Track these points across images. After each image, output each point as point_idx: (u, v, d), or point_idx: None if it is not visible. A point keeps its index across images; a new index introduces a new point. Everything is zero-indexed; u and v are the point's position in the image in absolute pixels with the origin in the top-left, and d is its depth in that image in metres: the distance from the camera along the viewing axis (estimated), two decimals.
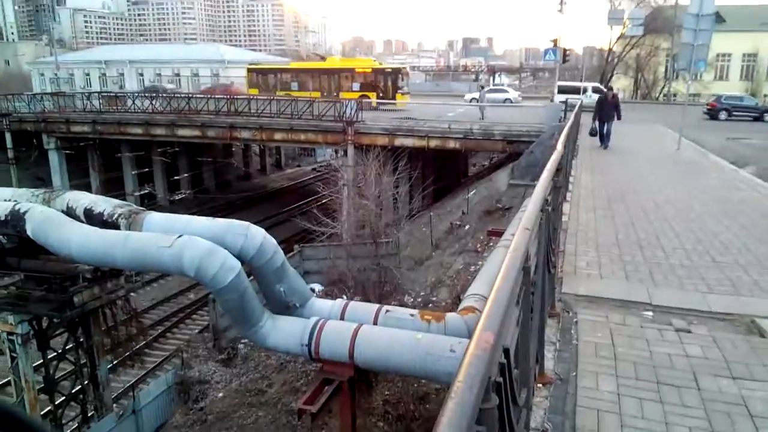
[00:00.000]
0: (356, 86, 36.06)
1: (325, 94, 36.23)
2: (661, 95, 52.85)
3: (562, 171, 6.92)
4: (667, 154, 18.37)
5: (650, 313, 5.54)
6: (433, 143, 25.76)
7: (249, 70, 41.17)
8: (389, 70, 37.60)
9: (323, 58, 43.45)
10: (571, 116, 17.92)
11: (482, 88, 35.72)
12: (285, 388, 13.19)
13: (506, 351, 1.67)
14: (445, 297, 16.66)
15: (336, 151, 28.75)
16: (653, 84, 55.24)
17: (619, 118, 19.96)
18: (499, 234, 13.77)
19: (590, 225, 9.23)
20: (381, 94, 35.58)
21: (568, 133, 10.95)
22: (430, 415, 11.12)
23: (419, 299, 17.49)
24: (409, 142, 25.77)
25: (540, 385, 3.78)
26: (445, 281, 18.04)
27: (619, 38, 49.20)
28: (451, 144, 25.92)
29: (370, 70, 37.22)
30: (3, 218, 11.43)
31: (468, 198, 23.54)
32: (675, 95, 49.31)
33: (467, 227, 21.27)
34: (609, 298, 5.86)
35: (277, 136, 29.17)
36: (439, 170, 31.15)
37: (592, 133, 20.06)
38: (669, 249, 7.90)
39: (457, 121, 26.84)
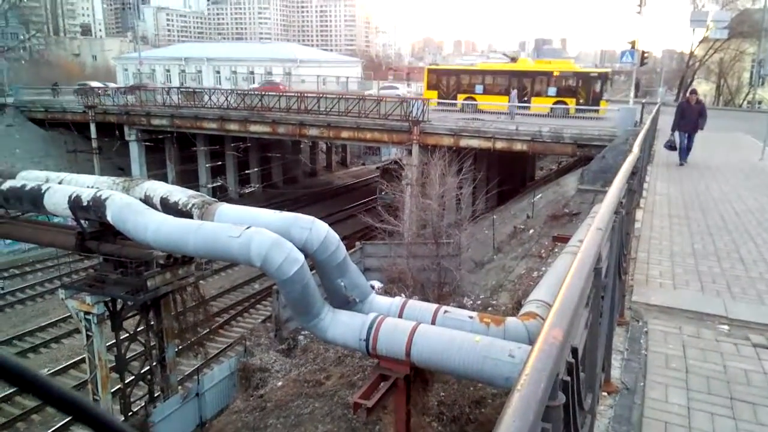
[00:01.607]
0: (552, 91, 32.61)
1: (581, 102, 32.46)
2: (745, 102, 49.82)
3: (638, 175, 6.64)
4: (750, 164, 17.28)
5: (726, 327, 5.25)
6: (499, 145, 25.36)
7: (429, 71, 37.77)
8: (594, 74, 33.68)
9: (513, 59, 38.91)
10: (648, 120, 17.20)
11: (514, 89, 34.64)
12: (342, 381, 13.36)
13: (574, 350, 1.62)
14: (506, 301, 16.38)
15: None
16: (737, 90, 52.15)
17: (701, 128, 16.81)
18: (566, 240, 13.39)
19: (664, 233, 8.82)
20: (581, 101, 31.96)
21: (644, 137, 10.52)
22: (486, 419, 10.97)
23: (479, 302, 17.28)
24: (475, 143, 25.48)
25: (605, 393, 3.64)
26: (506, 285, 17.74)
27: (701, 41, 46.67)
28: (518, 146, 25.43)
29: (570, 72, 33.67)
30: (85, 204, 12.16)
31: (534, 202, 23.03)
32: (760, 102, 46.37)
33: (531, 231, 20.81)
34: (682, 309, 5.58)
35: (344, 134, 29.57)
36: (505, 172, 30.69)
37: (670, 146, 16.84)
38: (749, 261, 7.44)
39: (526, 122, 26.31)
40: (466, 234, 19.10)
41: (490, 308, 15.75)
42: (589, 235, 2.16)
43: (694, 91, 18.63)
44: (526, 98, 32.80)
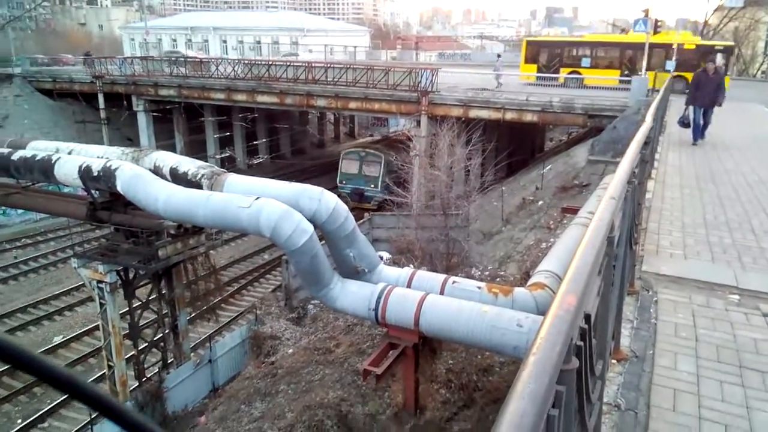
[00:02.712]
0: (670, 65, 29.43)
1: (626, 73, 30.39)
2: (759, 72, 48.86)
3: (650, 145, 6.58)
4: (764, 135, 17.05)
5: (736, 297, 5.26)
6: (509, 116, 25.11)
7: (528, 44, 34.83)
8: (719, 47, 31.20)
9: (624, 31, 36.22)
10: (661, 90, 16.94)
11: (498, 56, 33.44)
12: (351, 349, 13.56)
13: (587, 317, 1.64)
14: (514, 272, 16.44)
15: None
16: (751, 60, 51.11)
17: (719, 103, 15.17)
18: (575, 211, 13.37)
19: (675, 204, 8.77)
20: None
21: (657, 107, 10.38)
22: (494, 387, 11.12)
23: (487, 273, 17.36)
24: (485, 113, 25.23)
25: (614, 361, 3.69)
26: (514, 256, 17.79)
27: (716, 9, 45.59)
28: (528, 117, 25.16)
29: (693, 46, 30.95)
30: (96, 174, 12.23)
31: (543, 173, 22.91)
32: None
33: (540, 203, 20.75)
34: (693, 279, 5.59)
35: (352, 104, 29.35)
36: (514, 144, 30.46)
37: (683, 123, 15.19)
38: (760, 232, 7.41)
39: (536, 93, 25.99)
40: (474, 205, 19.09)
41: (498, 279, 15.83)
42: (603, 204, 2.16)
43: (712, 60, 17.30)
44: (640, 72, 29.07)
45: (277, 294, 20.40)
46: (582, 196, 18.04)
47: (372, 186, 29.70)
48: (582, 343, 1.52)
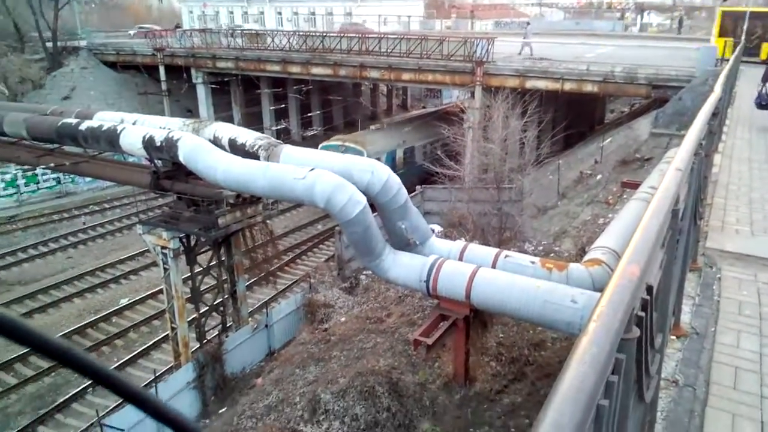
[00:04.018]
0: None
1: None
2: None
3: (718, 116, 6.27)
4: None
5: None
6: (567, 86, 24.28)
7: (723, 14, 30.09)
8: None
9: None
10: (730, 60, 15.98)
11: (528, 24, 31.78)
12: (402, 319, 13.74)
13: (649, 288, 1.63)
14: (569, 248, 16.14)
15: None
16: None
17: None
18: (635, 186, 12.95)
19: (744, 178, 8.36)
20: None
21: (726, 77, 9.84)
22: (545, 362, 11.07)
23: (540, 248, 17.11)
24: (542, 84, 24.50)
25: (674, 337, 3.62)
26: (569, 232, 17.43)
27: None
28: (588, 87, 24.27)
29: None
30: (159, 144, 12.69)
31: (602, 146, 22.18)
32: None
33: (599, 177, 20.16)
34: (759, 257, 5.36)
35: (405, 76, 29.07)
36: (573, 115, 29.49)
37: (761, 104, 12.98)
38: None
39: (597, 62, 24.99)
40: (529, 179, 18.73)
41: (552, 254, 15.59)
42: (669, 175, 2.10)
43: None
44: None
45: (330, 264, 20.80)
46: (643, 170, 17.41)
47: None
48: (643, 314, 1.52)
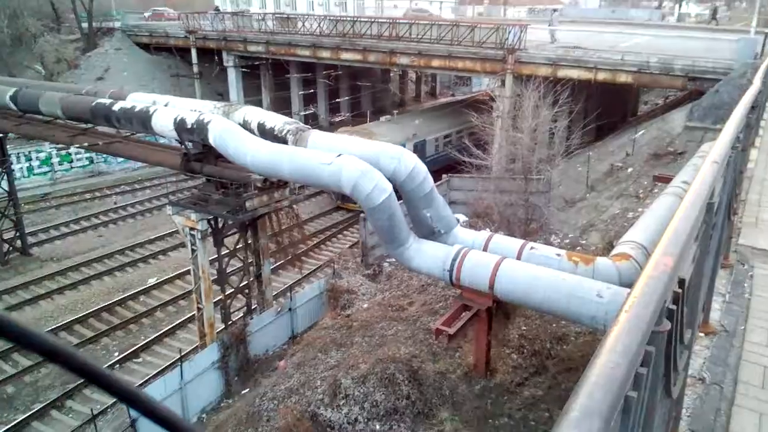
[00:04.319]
0: None
1: None
2: None
3: (757, 110, 6.08)
4: None
5: None
6: (601, 76, 23.80)
7: None
8: None
9: None
10: None
11: (555, 11, 30.87)
12: (424, 308, 13.76)
13: (681, 282, 1.59)
14: (596, 241, 15.94)
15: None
16: None
17: None
18: (668, 180, 12.67)
19: None
20: None
21: (766, 70, 9.51)
22: (567, 356, 10.99)
23: (567, 241, 16.92)
24: (575, 73, 24.06)
25: (702, 334, 3.55)
26: (597, 225, 17.19)
27: None
28: (623, 78, 23.75)
29: None
30: (190, 126, 12.84)
31: (635, 138, 21.73)
32: None
33: (630, 170, 19.80)
34: None
35: (435, 62, 28.83)
36: (605, 106, 28.93)
37: None
38: None
39: (632, 52, 24.41)
40: (558, 170, 18.50)
41: (578, 248, 15.41)
42: (705, 167, 2.05)
43: None
44: None
45: (354, 250, 20.89)
46: (676, 164, 17.03)
47: None
48: (674, 307, 1.49)
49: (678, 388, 2.06)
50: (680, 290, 1.60)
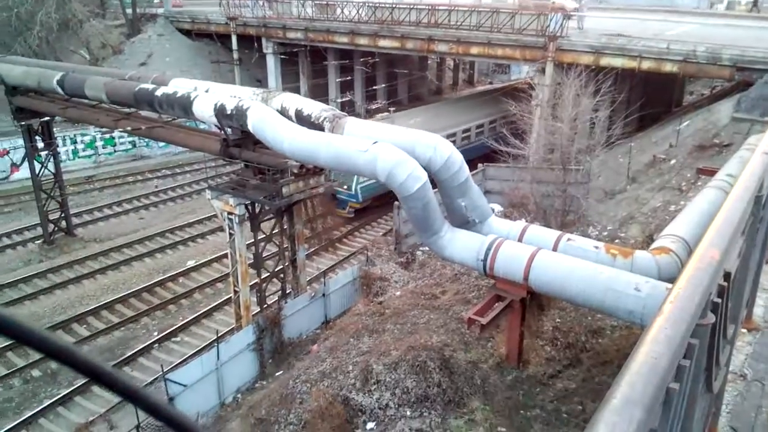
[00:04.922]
0: None
1: None
2: None
3: None
4: None
5: None
6: (645, 65, 23.09)
7: None
8: None
9: None
10: None
11: None
12: (457, 297, 13.74)
13: (727, 275, 1.56)
14: (635, 234, 15.60)
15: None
16: None
17: None
18: (712, 173, 12.31)
19: None
20: None
21: None
22: (603, 349, 10.84)
23: (605, 233, 16.61)
24: (618, 62, 23.40)
25: (744, 330, 3.46)
26: (637, 218, 16.82)
27: None
28: (668, 67, 22.99)
29: None
30: (229, 112, 13.05)
31: (679, 129, 21.09)
32: None
33: (673, 162, 19.25)
34: None
35: (474, 50, 28.43)
36: (648, 95, 28.12)
37: None
38: None
39: (678, 41, 23.60)
40: (597, 161, 18.13)
41: (617, 240, 15.12)
42: (754, 159, 1.98)
43: None
44: None
45: (387, 238, 20.97)
46: (721, 157, 16.49)
47: (345, 188, 23.84)
48: (719, 300, 1.46)
49: (719, 383, 2.02)
50: (725, 283, 1.56)
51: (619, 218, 17.12)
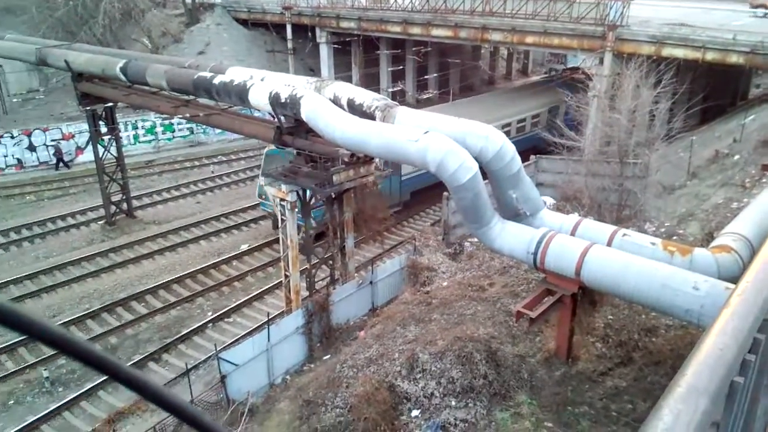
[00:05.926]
0: None
1: None
2: None
3: None
4: None
5: None
6: (709, 56, 22.07)
7: None
8: None
9: None
10: None
11: None
12: (505, 290, 13.62)
13: None
14: (695, 232, 15.04)
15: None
16: None
17: None
18: None
19: None
20: None
21: None
22: (656, 349, 10.54)
23: (663, 230, 16.06)
24: (680, 53, 22.46)
25: None
26: (697, 214, 16.20)
27: None
28: (734, 58, 21.90)
29: None
30: (283, 101, 13.29)
31: (744, 124, 20.13)
32: None
33: (736, 157, 18.41)
34: None
35: (529, 39, 27.83)
36: (712, 88, 26.90)
37: None
38: None
39: (746, 31, 22.43)
40: (656, 155, 17.47)
41: (675, 237, 14.61)
42: None
43: None
44: None
45: (435, 228, 20.92)
46: None
47: None
48: None
49: None
50: None
51: (678, 214, 16.53)
